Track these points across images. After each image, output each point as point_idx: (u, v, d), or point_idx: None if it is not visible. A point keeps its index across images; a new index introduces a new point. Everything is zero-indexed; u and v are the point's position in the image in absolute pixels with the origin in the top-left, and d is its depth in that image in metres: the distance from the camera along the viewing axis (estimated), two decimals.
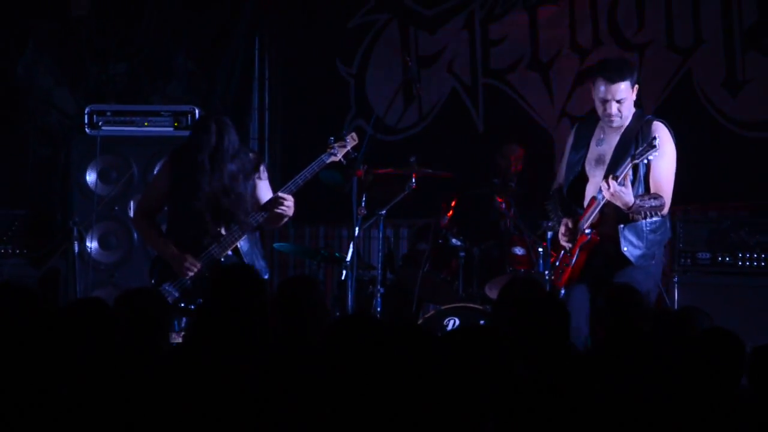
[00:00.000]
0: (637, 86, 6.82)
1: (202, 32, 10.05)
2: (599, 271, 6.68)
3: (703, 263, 8.14)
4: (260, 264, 7.02)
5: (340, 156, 7.14)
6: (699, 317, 5.74)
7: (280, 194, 6.90)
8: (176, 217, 7.01)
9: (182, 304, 6.86)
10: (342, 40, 10.01)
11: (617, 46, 9.27)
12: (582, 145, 6.91)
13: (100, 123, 8.79)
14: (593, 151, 6.86)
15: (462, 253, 8.27)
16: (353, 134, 7.22)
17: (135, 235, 8.70)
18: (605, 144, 6.82)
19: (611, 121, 6.77)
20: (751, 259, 8.07)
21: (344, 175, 8.13)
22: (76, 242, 8.42)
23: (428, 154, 8.73)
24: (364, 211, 7.90)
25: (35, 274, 8.69)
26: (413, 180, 8.11)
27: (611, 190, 6.48)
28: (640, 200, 6.58)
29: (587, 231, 6.70)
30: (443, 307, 7.94)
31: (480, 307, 7.80)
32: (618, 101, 6.73)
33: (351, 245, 8.04)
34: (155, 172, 8.21)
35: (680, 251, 8.16)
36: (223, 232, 6.89)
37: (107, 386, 4.43)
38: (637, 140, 6.70)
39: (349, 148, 7.17)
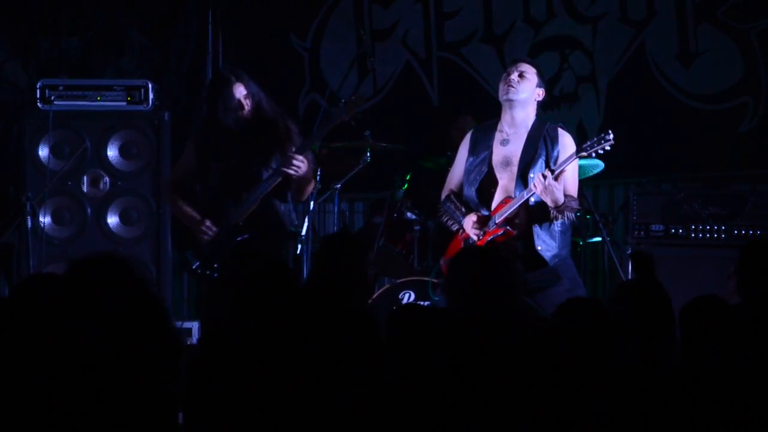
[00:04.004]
0: (542, 90, 6.79)
1: (154, 6, 9.99)
2: None
3: (657, 235, 8.16)
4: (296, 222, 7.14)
5: (348, 116, 7.08)
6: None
7: (289, 154, 6.89)
8: (205, 185, 7.02)
9: (198, 271, 7.01)
10: (296, 13, 9.96)
11: (570, 19, 9.29)
12: (483, 149, 6.82)
13: (52, 98, 8.71)
14: (498, 152, 6.78)
15: (417, 227, 8.29)
16: (360, 94, 7.12)
17: (88, 210, 8.65)
18: (511, 145, 6.75)
19: (507, 92, 6.69)
20: (704, 231, 8.09)
21: None
22: (29, 217, 8.37)
23: (383, 127, 8.74)
24: (319, 185, 7.87)
25: None
26: (368, 154, 8.11)
27: (546, 182, 6.43)
28: (567, 200, 6.54)
29: (502, 225, 6.68)
30: (398, 281, 7.95)
31: (435, 281, 7.80)
32: (520, 74, 6.71)
33: (306, 219, 8.02)
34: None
35: (634, 223, 8.17)
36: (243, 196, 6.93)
37: (64, 364, 4.41)
38: (545, 141, 6.68)
39: (357, 109, 7.11)
